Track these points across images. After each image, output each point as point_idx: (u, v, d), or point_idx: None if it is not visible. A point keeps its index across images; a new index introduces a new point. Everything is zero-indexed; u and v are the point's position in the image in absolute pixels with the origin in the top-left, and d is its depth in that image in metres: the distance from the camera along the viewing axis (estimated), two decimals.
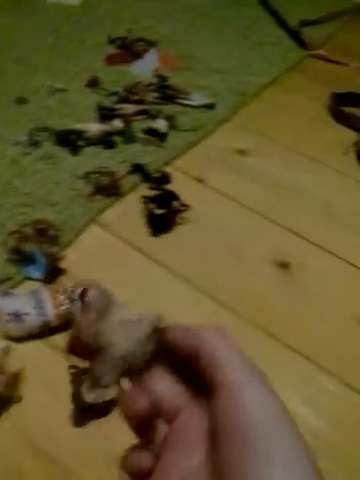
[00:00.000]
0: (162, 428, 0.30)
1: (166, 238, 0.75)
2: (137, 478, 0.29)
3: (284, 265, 0.73)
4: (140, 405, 0.29)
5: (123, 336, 0.31)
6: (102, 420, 0.55)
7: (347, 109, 0.97)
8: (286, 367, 0.61)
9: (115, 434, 0.54)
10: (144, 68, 1.08)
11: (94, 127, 0.88)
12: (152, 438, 0.30)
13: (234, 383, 0.26)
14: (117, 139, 0.89)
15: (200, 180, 0.84)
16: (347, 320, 0.67)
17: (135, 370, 0.30)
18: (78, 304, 0.31)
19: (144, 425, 0.29)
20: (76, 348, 0.32)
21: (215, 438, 0.26)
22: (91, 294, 0.32)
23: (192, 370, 0.29)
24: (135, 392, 0.29)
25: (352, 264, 0.73)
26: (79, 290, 0.32)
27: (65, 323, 0.60)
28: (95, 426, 0.54)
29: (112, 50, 1.14)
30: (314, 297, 0.69)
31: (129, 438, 0.55)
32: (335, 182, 0.86)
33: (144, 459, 0.29)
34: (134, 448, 0.30)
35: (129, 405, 0.29)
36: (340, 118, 0.97)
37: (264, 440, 0.25)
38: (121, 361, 0.30)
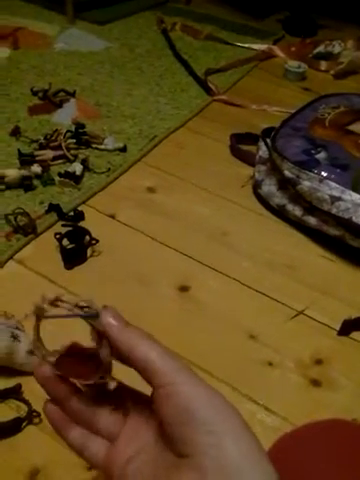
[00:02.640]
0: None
1: (79, 270, 0.82)
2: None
3: (185, 289, 0.82)
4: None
5: None
6: (12, 439, 0.60)
7: (245, 147, 1.10)
8: None
9: (25, 451, 0.60)
10: (64, 117, 1.17)
11: (13, 172, 0.96)
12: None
13: (172, 382, 0.30)
14: (36, 183, 0.98)
15: (112, 216, 0.93)
16: (241, 335, 0.76)
17: None
18: (92, 312, 0.33)
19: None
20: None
21: (163, 425, 0.31)
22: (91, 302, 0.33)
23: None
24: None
25: (245, 285, 0.83)
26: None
27: None
28: (5, 444, 0.60)
29: (35, 101, 1.24)
30: (211, 316, 0.78)
31: (40, 455, 0.61)
32: (232, 212, 0.97)
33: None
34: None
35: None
36: (238, 155, 1.09)
37: (207, 415, 0.29)
38: None
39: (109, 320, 0.33)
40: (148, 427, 0.34)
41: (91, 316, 0.33)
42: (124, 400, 0.36)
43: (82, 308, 0.33)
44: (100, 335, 0.33)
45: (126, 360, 0.32)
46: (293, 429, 0.53)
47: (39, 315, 0.34)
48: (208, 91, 1.31)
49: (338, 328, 0.76)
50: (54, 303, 0.34)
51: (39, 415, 0.62)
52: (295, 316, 0.78)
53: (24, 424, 0.61)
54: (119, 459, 0.34)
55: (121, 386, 0.35)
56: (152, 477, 0.32)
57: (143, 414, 0.35)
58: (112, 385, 0.34)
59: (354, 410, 0.66)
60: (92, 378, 0.34)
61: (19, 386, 0.65)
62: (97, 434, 0.36)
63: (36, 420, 0.62)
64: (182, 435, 0.30)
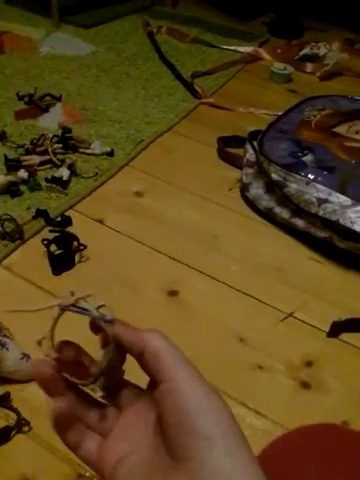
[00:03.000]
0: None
1: (67, 276, 0.82)
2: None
3: (174, 293, 0.81)
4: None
5: None
6: (1, 447, 0.60)
7: (232, 150, 1.10)
8: None
9: (14, 460, 0.60)
10: (50, 121, 1.17)
11: (0, 178, 0.95)
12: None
13: (175, 378, 0.30)
14: (23, 188, 0.97)
15: (100, 221, 0.93)
16: (230, 338, 0.76)
17: None
18: (107, 317, 0.33)
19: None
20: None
21: (161, 423, 0.30)
22: (109, 306, 0.34)
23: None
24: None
25: (234, 288, 0.83)
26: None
27: None
28: None
29: (21, 106, 1.23)
30: (201, 319, 0.78)
31: (30, 464, 0.61)
32: (220, 216, 0.97)
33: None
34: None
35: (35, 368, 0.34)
36: (225, 158, 1.09)
37: (202, 420, 0.29)
38: None
39: (122, 323, 0.34)
40: (146, 423, 0.34)
41: (108, 320, 0.34)
42: (122, 393, 0.36)
43: (99, 308, 0.34)
44: (106, 340, 0.34)
45: (137, 357, 0.32)
46: (284, 433, 0.53)
47: (63, 307, 0.34)
48: (195, 94, 1.31)
49: (327, 330, 0.76)
50: (78, 300, 0.34)
51: (28, 423, 0.62)
52: (284, 319, 0.78)
53: (13, 433, 0.61)
54: (109, 457, 0.33)
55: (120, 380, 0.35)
56: (146, 478, 0.31)
57: (141, 409, 0.35)
58: (98, 394, 0.34)
59: (344, 412, 0.67)
60: (86, 380, 0.34)
61: (8, 394, 0.64)
62: (92, 429, 0.36)
63: (25, 428, 0.61)
64: (177, 436, 0.29)
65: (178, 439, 0.29)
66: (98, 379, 0.34)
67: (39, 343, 0.37)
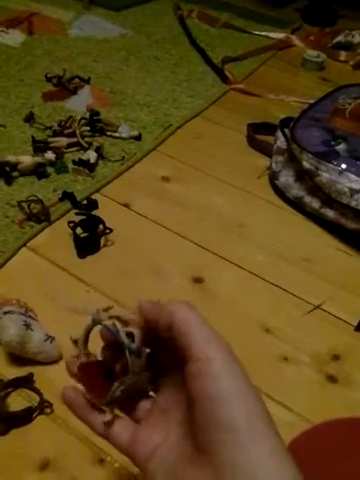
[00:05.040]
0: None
1: (92, 259, 0.81)
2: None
3: (199, 280, 0.80)
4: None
5: None
6: (23, 428, 0.60)
7: (262, 137, 1.08)
8: None
9: (36, 442, 0.60)
10: (78, 104, 1.16)
11: (27, 159, 0.94)
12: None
13: (204, 357, 0.29)
14: (50, 170, 0.96)
15: (126, 205, 0.92)
16: (255, 328, 0.74)
17: None
18: (133, 346, 0.32)
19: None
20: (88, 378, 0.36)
21: (189, 408, 0.30)
22: (137, 334, 0.33)
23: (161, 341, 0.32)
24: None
25: (260, 277, 0.81)
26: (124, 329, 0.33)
27: None
28: (16, 434, 0.59)
29: (49, 87, 1.22)
30: (225, 308, 0.76)
31: (51, 446, 0.61)
32: (248, 203, 0.95)
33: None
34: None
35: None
36: (255, 145, 1.07)
37: (227, 410, 0.28)
38: None
39: (147, 301, 0.33)
40: (179, 407, 0.32)
41: (133, 350, 0.33)
42: (156, 375, 0.35)
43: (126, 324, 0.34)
44: (124, 368, 0.33)
45: (166, 333, 0.31)
46: (312, 426, 0.52)
47: (95, 321, 0.35)
48: (225, 80, 1.29)
49: (355, 324, 0.74)
50: (108, 312, 0.35)
51: (51, 405, 0.61)
52: (311, 310, 0.76)
53: (35, 414, 0.61)
54: (144, 444, 0.32)
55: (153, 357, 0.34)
56: (174, 468, 0.30)
57: (175, 392, 0.33)
58: (107, 417, 0.34)
59: None
60: (99, 400, 0.35)
61: (31, 375, 0.64)
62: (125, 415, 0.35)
63: (47, 410, 0.61)
64: (202, 426, 0.28)
65: (202, 429, 0.28)
66: (110, 404, 0.34)
67: (75, 342, 0.37)
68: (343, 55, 1.50)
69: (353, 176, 0.84)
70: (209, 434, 0.28)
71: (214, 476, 0.27)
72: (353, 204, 0.83)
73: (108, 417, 0.34)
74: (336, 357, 0.71)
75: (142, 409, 0.35)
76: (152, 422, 0.33)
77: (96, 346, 0.37)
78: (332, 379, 0.68)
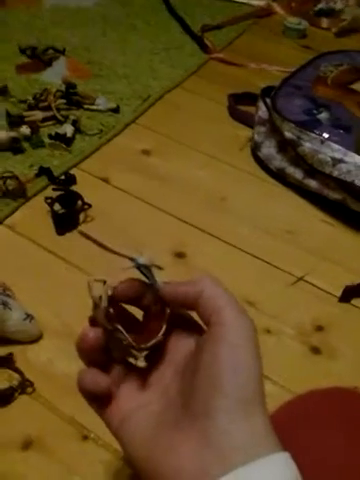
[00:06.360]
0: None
1: (71, 235, 0.79)
2: (93, 399, 0.33)
3: (181, 255, 0.79)
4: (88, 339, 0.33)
5: None
6: (4, 409, 0.59)
7: (243, 108, 1.05)
8: None
9: (18, 421, 0.59)
10: (53, 76, 1.12)
11: (2, 134, 0.91)
12: (104, 368, 0.34)
13: (226, 323, 0.30)
14: (25, 145, 0.93)
15: (105, 180, 0.89)
16: (239, 301, 0.74)
17: None
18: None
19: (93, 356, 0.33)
20: None
21: (194, 363, 0.31)
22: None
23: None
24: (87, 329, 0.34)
25: (244, 251, 0.80)
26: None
27: None
28: None
29: (23, 59, 1.18)
30: None
31: (34, 425, 0.60)
32: (230, 176, 0.93)
33: (99, 378, 0.33)
34: (87, 370, 0.33)
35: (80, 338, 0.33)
36: (236, 116, 1.05)
37: (234, 380, 0.28)
38: None
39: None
40: (176, 371, 0.33)
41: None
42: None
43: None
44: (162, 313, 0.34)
45: (192, 305, 0.33)
46: (295, 396, 0.52)
47: (139, 265, 0.35)
48: (204, 49, 1.25)
49: (339, 294, 0.74)
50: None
51: (32, 384, 0.61)
52: (295, 282, 0.76)
53: (17, 394, 0.60)
54: (117, 413, 0.33)
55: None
56: (152, 437, 0.30)
57: (177, 354, 0.34)
58: (140, 364, 0.33)
59: (354, 377, 0.65)
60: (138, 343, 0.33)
61: (11, 355, 0.63)
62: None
63: (29, 390, 0.61)
64: (204, 389, 0.29)
65: (204, 393, 0.29)
66: (145, 350, 0.33)
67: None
68: (325, 22, 1.47)
69: (335, 145, 0.83)
70: (207, 398, 0.28)
71: (200, 442, 0.28)
72: (335, 174, 0.82)
73: (143, 363, 0.33)
74: (320, 328, 0.71)
75: (121, 372, 0.35)
76: (132, 387, 0.33)
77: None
78: (316, 350, 0.68)
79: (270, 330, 0.70)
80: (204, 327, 0.33)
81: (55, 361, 0.63)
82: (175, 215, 0.85)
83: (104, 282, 0.34)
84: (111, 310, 0.33)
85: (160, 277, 0.35)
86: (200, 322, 0.34)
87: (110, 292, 0.33)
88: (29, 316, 0.65)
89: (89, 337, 0.33)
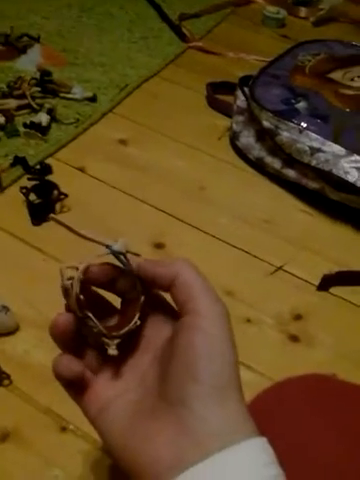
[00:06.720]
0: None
1: (47, 226, 0.78)
2: (68, 385, 0.33)
3: (160, 245, 0.78)
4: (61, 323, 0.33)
5: None
6: None
7: (222, 97, 1.05)
8: None
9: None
10: (28, 63, 1.09)
11: None
12: (80, 354, 0.34)
13: (201, 312, 0.30)
14: (0, 134, 0.91)
15: (81, 169, 0.88)
16: (218, 292, 0.73)
17: None
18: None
19: (67, 341, 0.33)
20: None
21: (170, 349, 0.31)
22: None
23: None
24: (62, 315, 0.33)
25: (223, 240, 0.80)
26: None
27: None
28: None
29: None
30: None
31: (10, 418, 0.59)
32: (209, 166, 0.93)
33: (73, 363, 0.32)
34: (62, 356, 0.33)
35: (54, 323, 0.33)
36: (215, 106, 1.04)
37: (210, 368, 0.29)
38: None
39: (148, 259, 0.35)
40: (154, 358, 0.33)
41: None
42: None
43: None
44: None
45: (167, 287, 0.33)
46: (273, 384, 0.52)
47: (114, 252, 0.34)
48: (182, 37, 1.24)
49: (317, 283, 0.74)
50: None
51: (9, 377, 0.59)
52: (274, 272, 0.76)
53: None
54: (98, 397, 0.32)
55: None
56: (129, 426, 0.30)
57: (154, 340, 0.34)
58: (112, 352, 0.32)
59: (332, 365, 0.66)
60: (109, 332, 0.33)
61: None
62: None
63: (6, 382, 0.59)
64: (181, 376, 0.29)
65: (180, 380, 0.29)
66: (117, 338, 0.33)
67: (63, 270, 0.34)
68: (303, 11, 1.46)
69: (313, 135, 0.83)
70: (183, 385, 0.28)
71: (176, 429, 0.28)
72: (313, 163, 0.82)
73: (114, 351, 0.32)
74: (298, 317, 0.71)
75: (99, 359, 0.34)
76: (109, 374, 0.33)
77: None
78: (294, 338, 0.68)
79: (250, 319, 0.70)
80: (178, 311, 0.32)
81: (32, 352, 0.62)
82: (153, 205, 0.84)
83: (77, 268, 0.33)
84: (82, 297, 0.32)
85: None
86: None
87: (82, 276, 0.33)
88: (4, 308, 0.63)
89: (59, 322, 0.33)
